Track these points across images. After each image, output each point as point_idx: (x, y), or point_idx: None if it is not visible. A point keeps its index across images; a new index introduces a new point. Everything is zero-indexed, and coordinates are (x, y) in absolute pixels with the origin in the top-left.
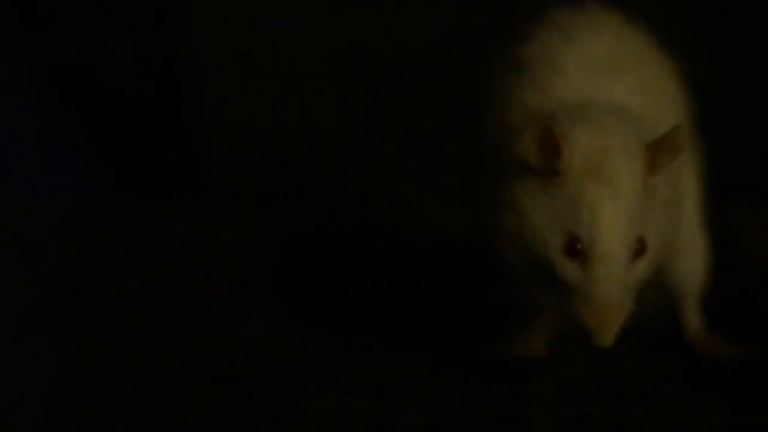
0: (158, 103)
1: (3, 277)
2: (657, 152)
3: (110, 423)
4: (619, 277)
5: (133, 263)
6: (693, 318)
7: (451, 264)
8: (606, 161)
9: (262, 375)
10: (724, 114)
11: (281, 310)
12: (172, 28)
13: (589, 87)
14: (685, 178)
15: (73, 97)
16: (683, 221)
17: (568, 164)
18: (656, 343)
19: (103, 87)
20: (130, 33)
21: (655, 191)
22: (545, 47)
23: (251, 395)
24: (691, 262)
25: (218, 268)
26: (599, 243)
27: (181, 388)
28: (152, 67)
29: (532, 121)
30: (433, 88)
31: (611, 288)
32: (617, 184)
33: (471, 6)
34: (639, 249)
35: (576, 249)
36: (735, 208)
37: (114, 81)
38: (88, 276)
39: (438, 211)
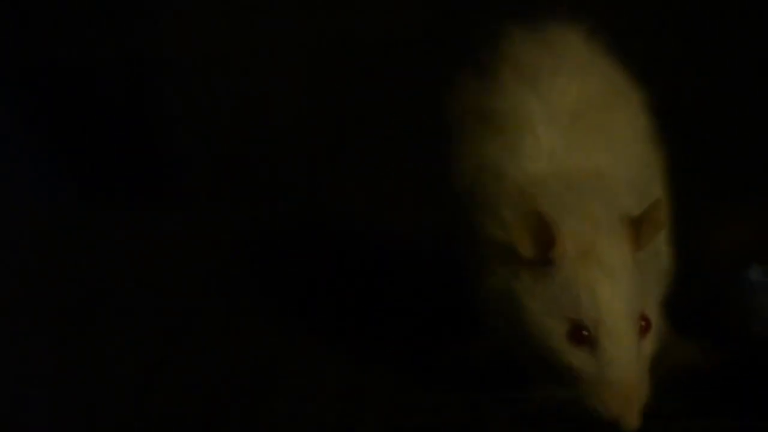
0: (126, 102)
1: None
2: (640, 227)
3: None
4: (632, 354)
5: (103, 262)
6: None
7: (421, 264)
8: (596, 244)
9: (223, 376)
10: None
11: (245, 310)
12: (139, 25)
13: (561, 147)
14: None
15: (40, 97)
16: None
17: (562, 253)
18: None
19: (71, 86)
20: (97, 32)
21: (644, 264)
22: (512, 98)
23: (212, 397)
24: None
25: (186, 267)
26: (605, 323)
27: (144, 388)
28: (120, 66)
29: (521, 216)
30: (406, 84)
31: (627, 368)
32: (610, 264)
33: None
34: (644, 326)
35: (581, 335)
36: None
37: (81, 80)
38: (59, 275)
39: (408, 209)
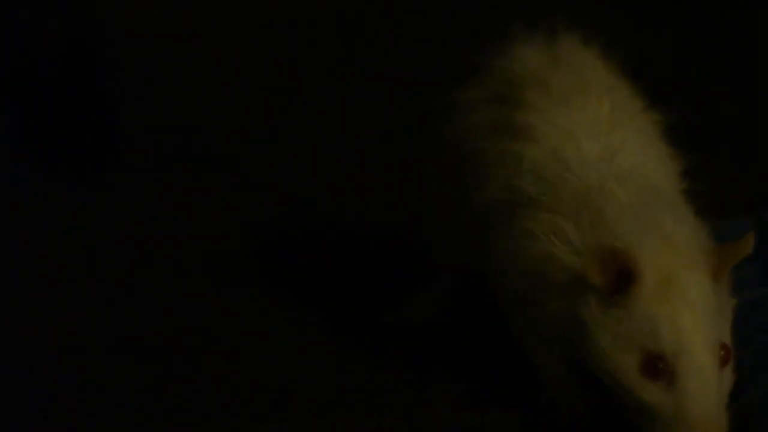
0: (71, 69)
1: None
2: (722, 259)
3: None
4: (714, 389)
5: (49, 231)
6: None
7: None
8: (677, 274)
9: (161, 339)
10: None
11: (184, 274)
12: None
13: (608, 153)
14: None
15: None
16: None
17: (642, 288)
18: None
19: (15, 54)
20: None
21: (720, 296)
22: (545, 114)
23: (151, 362)
24: None
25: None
26: (687, 355)
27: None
28: (64, 32)
29: (600, 248)
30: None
31: (710, 402)
32: (692, 296)
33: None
34: (724, 356)
35: (657, 369)
36: None
37: (25, 46)
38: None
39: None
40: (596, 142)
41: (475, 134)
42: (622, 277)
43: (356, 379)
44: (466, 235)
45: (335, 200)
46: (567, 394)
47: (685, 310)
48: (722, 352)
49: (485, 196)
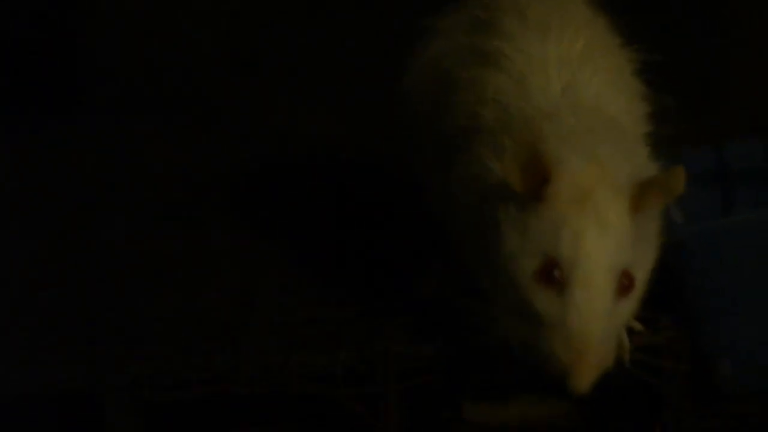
0: (36, 14)
1: None
2: (648, 190)
3: None
4: (602, 309)
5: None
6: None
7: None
8: (595, 192)
9: (117, 273)
10: None
11: (146, 214)
12: None
13: (573, 85)
14: None
15: None
16: None
17: (556, 191)
18: None
19: None
20: None
21: (641, 228)
22: (521, 43)
23: (105, 296)
24: None
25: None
26: (581, 267)
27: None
28: None
29: (518, 143)
30: None
31: (592, 320)
32: (605, 215)
33: None
34: (626, 285)
35: (552, 275)
36: None
37: None
38: None
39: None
40: (564, 75)
41: (451, 59)
42: (541, 184)
43: (311, 313)
44: (438, 161)
45: (301, 139)
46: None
47: (594, 226)
48: (624, 281)
49: (452, 123)
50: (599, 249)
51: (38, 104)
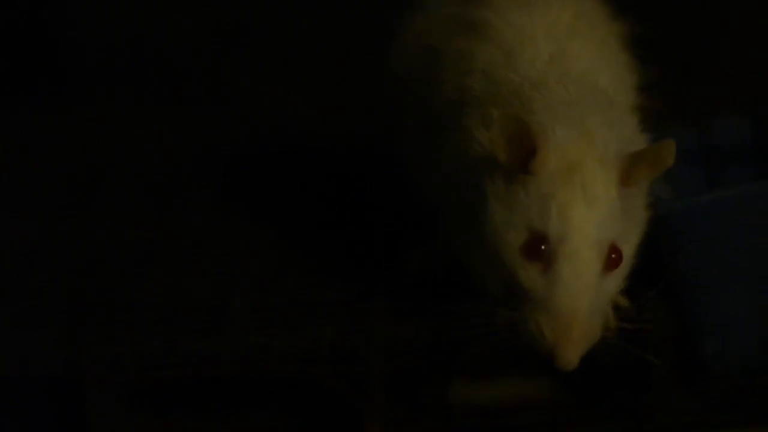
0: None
1: None
2: (637, 164)
3: None
4: (589, 283)
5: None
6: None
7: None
8: (583, 164)
9: (102, 256)
10: None
11: (132, 197)
12: None
13: (560, 55)
14: None
15: None
16: None
17: (543, 164)
18: None
19: None
20: None
21: (629, 202)
22: (507, 14)
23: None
24: None
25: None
26: (568, 241)
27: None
28: None
29: (503, 115)
30: None
31: (579, 295)
32: (592, 188)
33: None
34: (614, 260)
35: (539, 249)
36: None
37: None
38: None
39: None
40: (552, 46)
41: (436, 33)
42: (528, 156)
43: (293, 294)
44: (425, 137)
45: (281, 122)
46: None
47: (581, 200)
48: (613, 255)
49: (440, 97)
50: (587, 223)
51: (20, 93)
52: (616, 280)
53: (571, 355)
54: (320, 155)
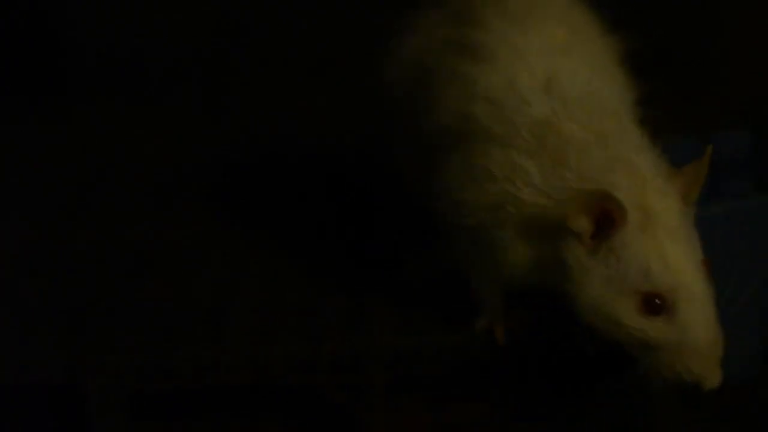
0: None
1: None
2: (688, 180)
3: None
4: (713, 312)
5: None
6: None
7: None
8: (651, 206)
9: (102, 259)
10: None
11: (133, 200)
12: None
13: (556, 77)
14: None
15: None
16: None
17: (627, 230)
18: None
19: None
20: None
21: (691, 216)
22: (500, 34)
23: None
24: None
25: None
26: (682, 287)
27: None
28: None
29: (583, 193)
30: None
31: (711, 327)
32: (670, 224)
33: None
34: (707, 272)
35: (656, 305)
36: None
37: None
38: None
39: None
40: (548, 66)
41: (430, 52)
42: (603, 221)
43: (295, 303)
44: (423, 159)
45: (283, 129)
46: (503, 320)
47: (669, 241)
48: (707, 271)
49: (436, 120)
50: (685, 259)
51: (20, 93)
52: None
53: (717, 376)
54: (321, 157)
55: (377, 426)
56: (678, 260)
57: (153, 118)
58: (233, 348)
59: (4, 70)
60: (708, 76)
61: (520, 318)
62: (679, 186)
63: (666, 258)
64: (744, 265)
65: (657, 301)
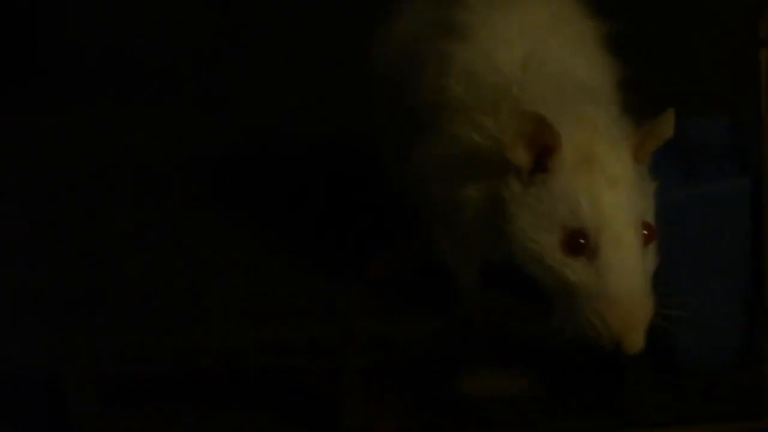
0: None
1: None
2: (643, 140)
3: None
4: (637, 263)
5: None
6: None
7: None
8: (596, 151)
9: (85, 251)
10: None
11: (119, 193)
12: None
13: (538, 54)
14: None
15: None
16: None
17: (562, 159)
18: None
19: None
20: None
21: (642, 175)
22: (483, 14)
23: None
24: None
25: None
26: (607, 228)
27: None
28: None
29: (522, 113)
30: None
31: (632, 277)
32: (612, 172)
33: None
34: (648, 235)
35: (578, 244)
36: None
37: None
38: None
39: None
40: (530, 45)
41: (416, 34)
42: (542, 155)
43: (273, 289)
44: (406, 139)
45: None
46: (480, 303)
47: (606, 185)
48: (645, 231)
49: (418, 97)
50: (619, 206)
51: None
52: (652, 253)
53: (638, 339)
54: (302, 151)
55: (353, 410)
56: (610, 205)
57: (153, 118)
58: (211, 332)
59: (3, 69)
60: (686, 61)
61: (497, 303)
62: (633, 141)
63: (598, 200)
64: (720, 248)
65: (581, 240)
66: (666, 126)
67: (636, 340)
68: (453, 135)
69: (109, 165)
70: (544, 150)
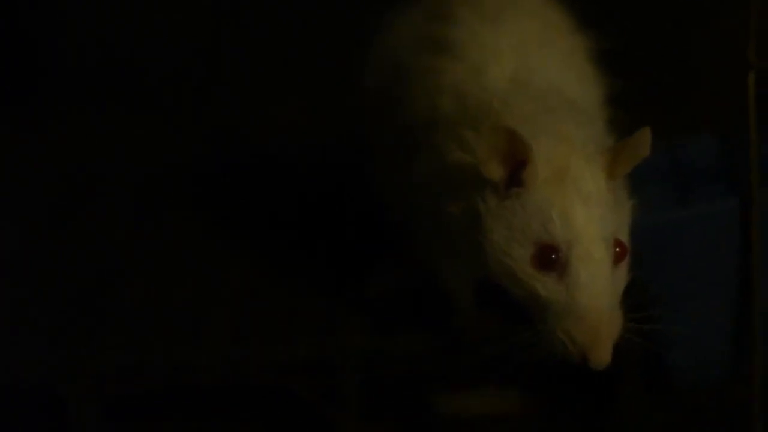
0: None
1: None
2: (618, 156)
3: None
4: (606, 280)
5: None
6: None
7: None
8: (570, 167)
9: (82, 266)
10: None
11: (111, 207)
12: None
13: (525, 68)
14: None
15: None
16: None
17: (534, 174)
18: None
19: None
20: None
21: (618, 194)
22: (473, 30)
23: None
24: None
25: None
26: (577, 244)
27: None
28: None
29: (493, 128)
30: None
31: (600, 294)
32: (586, 188)
33: None
34: (619, 253)
35: (549, 259)
36: None
37: None
38: None
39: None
40: (519, 61)
41: (406, 50)
42: (516, 171)
43: (269, 306)
44: (397, 157)
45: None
46: (475, 320)
47: (578, 201)
48: (617, 249)
49: (410, 116)
50: (590, 222)
51: (17, 96)
52: (623, 271)
53: (603, 354)
54: (300, 168)
55: (350, 427)
56: (582, 221)
57: (152, 118)
58: (209, 349)
59: (2, 71)
60: (677, 80)
61: (492, 319)
62: (608, 158)
63: (570, 215)
64: (713, 268)
65: (552, 256)
66: (641, 143)
67: (602, 356)
68: (440, 151)
69: (110, 179)
70: (519, 164)
